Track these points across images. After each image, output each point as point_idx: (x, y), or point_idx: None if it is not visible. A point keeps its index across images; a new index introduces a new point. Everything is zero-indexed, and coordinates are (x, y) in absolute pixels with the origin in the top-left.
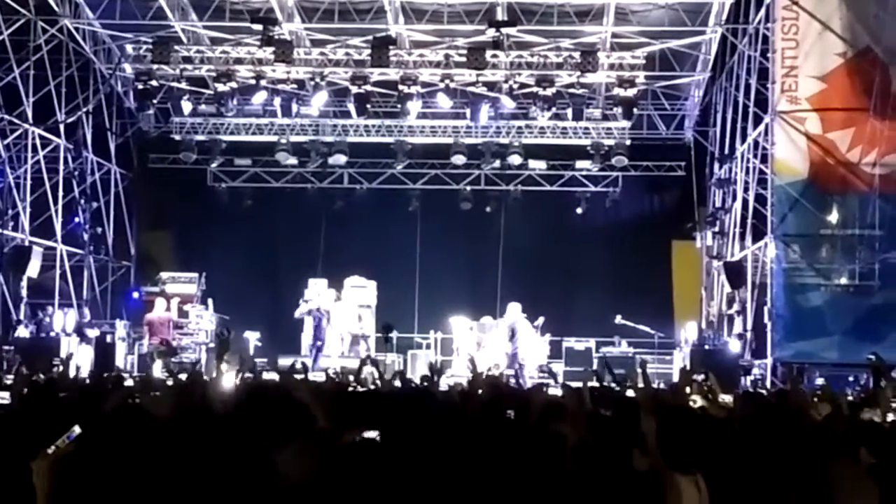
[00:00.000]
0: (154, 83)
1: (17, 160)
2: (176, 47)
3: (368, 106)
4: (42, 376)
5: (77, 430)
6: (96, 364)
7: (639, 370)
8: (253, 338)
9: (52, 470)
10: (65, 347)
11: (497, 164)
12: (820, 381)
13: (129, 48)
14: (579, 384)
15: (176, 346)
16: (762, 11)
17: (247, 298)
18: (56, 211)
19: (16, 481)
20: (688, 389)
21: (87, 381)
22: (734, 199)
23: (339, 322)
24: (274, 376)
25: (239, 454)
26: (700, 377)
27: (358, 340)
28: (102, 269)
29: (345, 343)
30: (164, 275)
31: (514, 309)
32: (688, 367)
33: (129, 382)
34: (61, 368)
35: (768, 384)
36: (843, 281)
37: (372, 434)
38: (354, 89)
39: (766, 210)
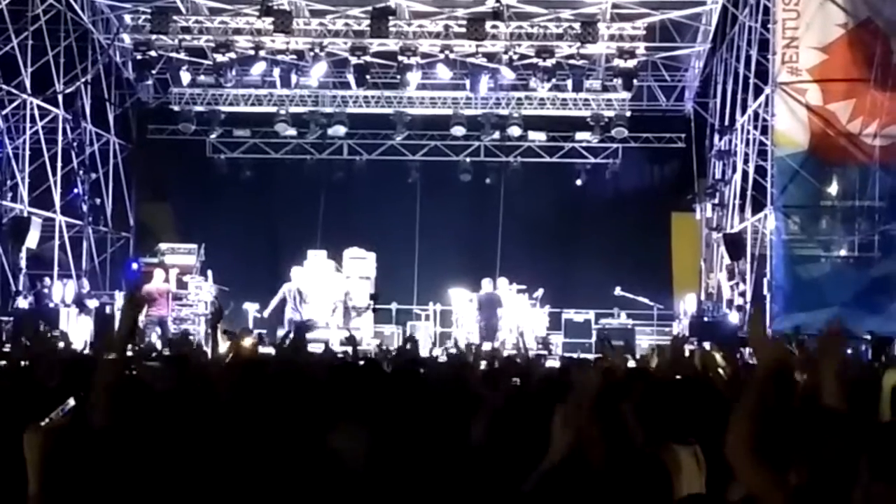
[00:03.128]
0: (153, 53)
1: (15, 131)
2: (175, 17)
3: (368, 77)
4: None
5: (71, 402)
6: (95, 335)
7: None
8: (252, 309)
9: (45, 442)
10: (64, 318)
11: (497, 135)
12: None
13: (127, 18)
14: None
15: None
16: None
17: (246, 269)
18: (55, 182)
19: (7, 454)
20: (686, 357)
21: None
22: (734, 170)
23: (333, 294)
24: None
25: (237, 428)
26: (692, 346)
27: (350, 312)
28: (101, 240)
29: (336, 314)
30: (163, 246)
31: (487, 284)
32: (682, 336)
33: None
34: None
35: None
36: (843, 252)
37: None
38: (354, 60)
39: (766, 182)
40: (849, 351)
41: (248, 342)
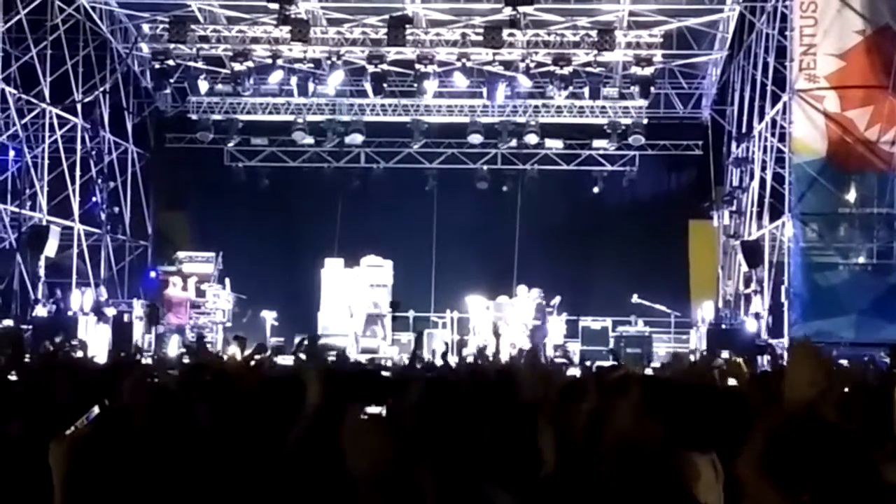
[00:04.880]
0: (171, 62)
1: (34, 140)
2: (192, 26)
3: (385, 85)
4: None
5: (96, 410)
6: (113, 343)
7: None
8: (270, 317)
9: (70, 451)
10: (82, 327)
11: (514, 143)
12: (843, 362)
13: (145, 27)
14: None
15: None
16: None
17: (263, 278)
18: (73, 190)
19: (33, 462)
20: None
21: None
22: (751, 177)
23: (355, 302)
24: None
25: (254, 436)
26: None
27: (375, 320)
28: (120, 249)
29: (358, 323)
30: (181, 254)
31: (537, 294)
32: (705, 351)
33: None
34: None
35: (785, 364)
36: (861, 260)
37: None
38: (371, 68)
39: (784, 189)
40: (865, 358)
41: (234, 351)
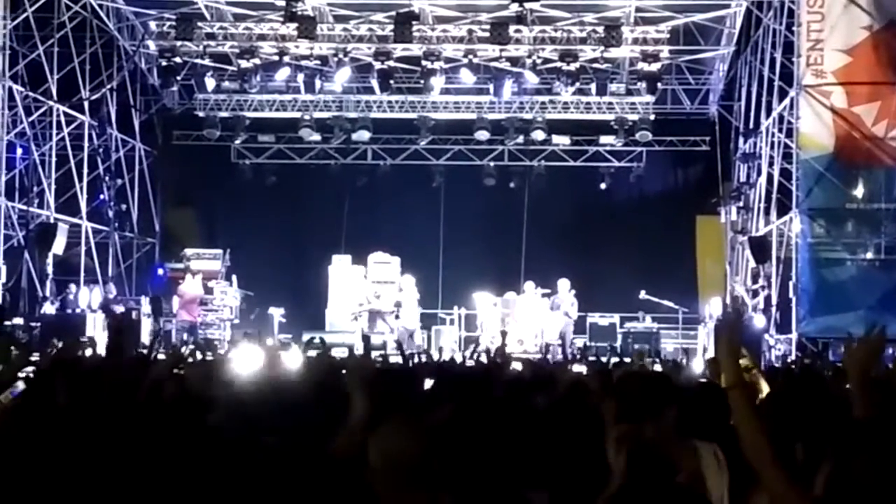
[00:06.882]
0: (178, 60)
1: (41, 137)
2: (199, 24)
3: (392, 82)
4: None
5: (21, 385)
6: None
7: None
8: (277, 314)
9: None
10: (90, 324)
11: (520, 139)
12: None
13: (152, 25)
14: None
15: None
16: None
17: (271, 275)
18: (81, 188)
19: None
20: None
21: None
22: (759, 173)
23: (359, 299)
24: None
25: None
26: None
27: (375, 317)
28: (127, 246)
29: (362, 319)
30: (188, 251)
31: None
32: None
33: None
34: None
35: (792, 359)
36: (869, 255)
37: None
38: (378, 65)
39: (791, 184)
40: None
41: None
